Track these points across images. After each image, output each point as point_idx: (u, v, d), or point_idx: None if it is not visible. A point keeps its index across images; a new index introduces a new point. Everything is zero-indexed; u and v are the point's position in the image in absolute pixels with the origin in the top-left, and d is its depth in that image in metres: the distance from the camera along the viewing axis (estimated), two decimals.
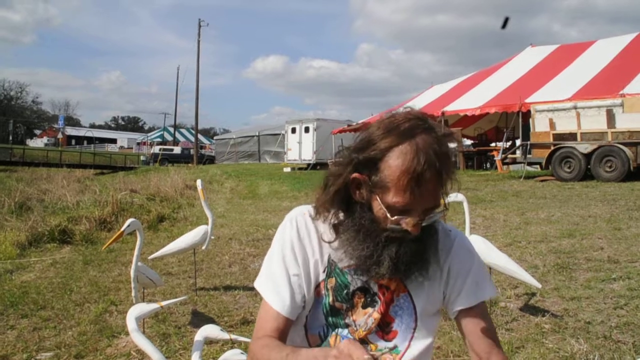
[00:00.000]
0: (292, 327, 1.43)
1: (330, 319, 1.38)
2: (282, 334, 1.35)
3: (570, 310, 3.80)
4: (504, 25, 2.43)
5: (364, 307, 1.37)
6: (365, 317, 1.36)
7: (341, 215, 1.33)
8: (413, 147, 1.18)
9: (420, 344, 1.38)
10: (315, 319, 1.39)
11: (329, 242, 1.35)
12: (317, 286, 1.39)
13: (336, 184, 1.30)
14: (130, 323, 2.29)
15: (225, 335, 2.26)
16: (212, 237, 5.12)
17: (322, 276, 1.38)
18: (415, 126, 1.21)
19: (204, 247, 4.86)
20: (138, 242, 3.70)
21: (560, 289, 4.22)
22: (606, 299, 3.96)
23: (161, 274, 4.94)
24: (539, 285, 3.60)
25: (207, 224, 4.84)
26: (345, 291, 1.37)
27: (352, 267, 1.35)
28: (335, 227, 1.34)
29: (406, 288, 1.36)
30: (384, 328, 1.37)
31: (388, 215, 1.23)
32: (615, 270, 4.58)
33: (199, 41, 39.31)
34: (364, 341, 1.36)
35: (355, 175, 1.26)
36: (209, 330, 2.32)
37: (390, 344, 1.37)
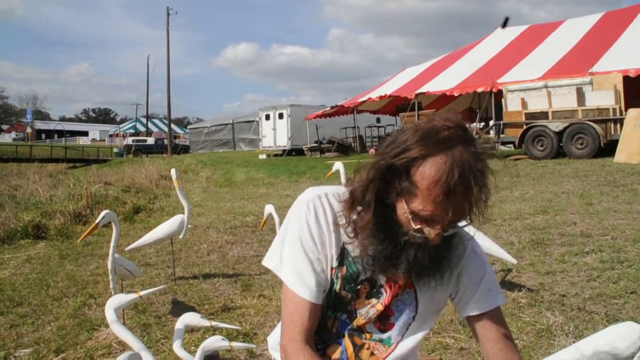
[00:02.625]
0: None
1: (332, 302, 1.38)
2: (313, 325, 1.33)
3: (546, 284, 3.89)
4: (504, 25, 2.45)
5: (368, 297, 1.36)
6: (368, 307, 1.36)
7: (363, 211, 1.28)
8: (449, 159, 1.13)
9: (413, 337, 1.40)
10: None
11: (347, 234, 1.31)
12: (329, 273, 1.38)
13: (365, 183, 1.26)
14: (110, 314, 2.27)
15: (206, 323, 2.25)
16: (189, 226, 5.09)
17: (334, 262, 1.35)
18: (454, 136, 1.16)
19: (181, 236, 4.82)
20: (114, 234, 3.66)
21: (536, 264, 4.31)
22: (580, 272, 4.06)
23: (139, 265, 4.89)
24: (515, 262, 3.67)
25: (183, 213, 4.80)
26: (353, 280, 1.35)
27: (365, 257, 1.31)
28: (355, 222, 1.29)
29: (413, 285, 1.36)
30: (382, 320, 1.38)
31: (411, 221, 1.20)
32: (588, 244, 4.69)
33: (168, 30, 38.82)
34: (360, 329, 1.37)
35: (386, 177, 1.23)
36: (190, 318, 2.32)
37: (384, 336, 1.38)
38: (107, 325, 3.29)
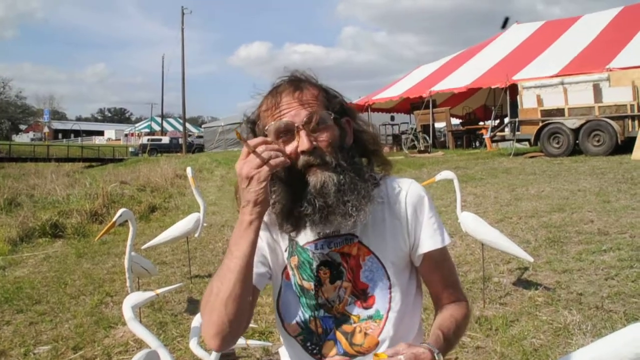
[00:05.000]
0: (276, 317, 1.45)
1: (303, 299, 1.37)
2: None
3: (563, 282, 3.85)
4: (504, 25, 2.42)
5: (332, 282, 1.35)
6: (337, 291, 1.35)
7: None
8: (272, 87, 1.36)
9: (401, 303, 1.36)
10: (290, 304, 1.39)
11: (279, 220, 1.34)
12: (285, 268, 1.39)
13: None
14: (127, 312, 2.29)
15: None
16: (205, 225, 5.12)
17: (286, 255, 1.38)
18: (280, 82, 1.35)
19: (196, 235, 4.85)
20: (131, 232, 3.69)
21: (552, 263, 4.26)
22: (597, 270, 4.01)
23: (155, 264, 4.92)
24: (531, 260, 3.64)
25: (198, 211, 4.83)
26: (309, 268, 1.36)
27: (312, 243, 1.35)
28: (274, 204, 1.34)
29: (369, 250, 1.35)
30: (360, 296, 1.35)
31: (281, 146, 1.27)
32: (606, 242, 4.63)
33: (182, 29, 38.98)
34: (345, 316, 1.35)
35: None
36: None
37: (371, 311, 1.35)
38: (124, 323, 3.32)
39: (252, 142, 1.19)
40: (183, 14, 39.36)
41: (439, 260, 1.39)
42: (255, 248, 1.23)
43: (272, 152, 1.18)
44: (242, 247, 1.21)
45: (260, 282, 1.37)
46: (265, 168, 1.17)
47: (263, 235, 1.37)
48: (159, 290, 2.53)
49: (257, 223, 1.21)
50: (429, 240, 1.36)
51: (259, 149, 1.18)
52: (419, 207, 1.37)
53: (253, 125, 1.37)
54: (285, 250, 1.39)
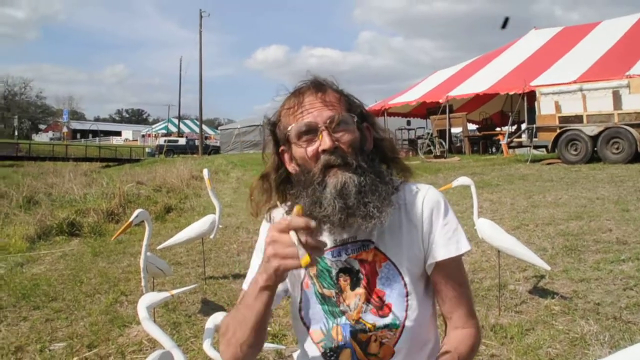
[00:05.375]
0: (294, 324, 1.44)
1: (325, 307, 1.36)
2: None
3: (580, 291, 3.80)
4: (504, 25, 2.40)
5: (353, 288, 1.34)
6: (356, 298, 1.33)
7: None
8: (295, 89, 1.36)
9: (418, 312, 1.33)
10: (313, 313, 1.38)
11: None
12: (304, 278, 1.38)
13: (272, 168, 1.40)
14: (142, 312, 2.31)
15: None
16: (220, 226, 5.13)
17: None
18: (303, 84, 1.35)
19: (211, 236, 4.87)
20: (147, 232, 3.71)
21: (569, 271, 4.21)
22: (615, 280, 3.95)
23: (170, 264, 4.94)
24: (548, 268, 3.60)
25: (214, 213, 4.85)
26: (328, 275, 1.35)
27: (329, 251, 1.34)
28: (291, 207, 1.34)
29: (386, 256, 1.33)
30: (377, 304, 1.33)
31: (304, 147, 1.28)
32: (624, 251, 4.57)
33: (200, 32, 39.27)
34: (360, 322, 1.33)
35: (280, 148, 1.37)
36: (220, 318, 2.33)
37: (388, 320, 1.32)
38: (138, 323, 3.34)
39: (295, 222, 1.06)
40: (201, 16, 39.69)
41: (452, 270, 1.35)
42: (270, 306, 1.23)
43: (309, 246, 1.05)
44: (257, 307, 1.21)
45: (275, 302, 1.36)
46: (294, 262, 1.06)
47: None
48: (174, 291, 2.54)
49: (272, 289, 1.19)
50: (443, 248, 1.33)
51: (297, 236, 1.05)
52: (436, 212, 1.35)
53: (274, 127, 1.37)
54: None
